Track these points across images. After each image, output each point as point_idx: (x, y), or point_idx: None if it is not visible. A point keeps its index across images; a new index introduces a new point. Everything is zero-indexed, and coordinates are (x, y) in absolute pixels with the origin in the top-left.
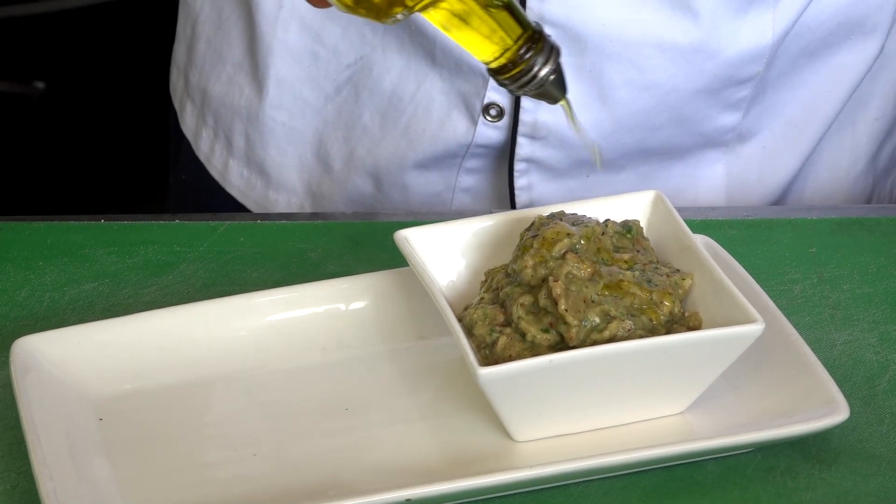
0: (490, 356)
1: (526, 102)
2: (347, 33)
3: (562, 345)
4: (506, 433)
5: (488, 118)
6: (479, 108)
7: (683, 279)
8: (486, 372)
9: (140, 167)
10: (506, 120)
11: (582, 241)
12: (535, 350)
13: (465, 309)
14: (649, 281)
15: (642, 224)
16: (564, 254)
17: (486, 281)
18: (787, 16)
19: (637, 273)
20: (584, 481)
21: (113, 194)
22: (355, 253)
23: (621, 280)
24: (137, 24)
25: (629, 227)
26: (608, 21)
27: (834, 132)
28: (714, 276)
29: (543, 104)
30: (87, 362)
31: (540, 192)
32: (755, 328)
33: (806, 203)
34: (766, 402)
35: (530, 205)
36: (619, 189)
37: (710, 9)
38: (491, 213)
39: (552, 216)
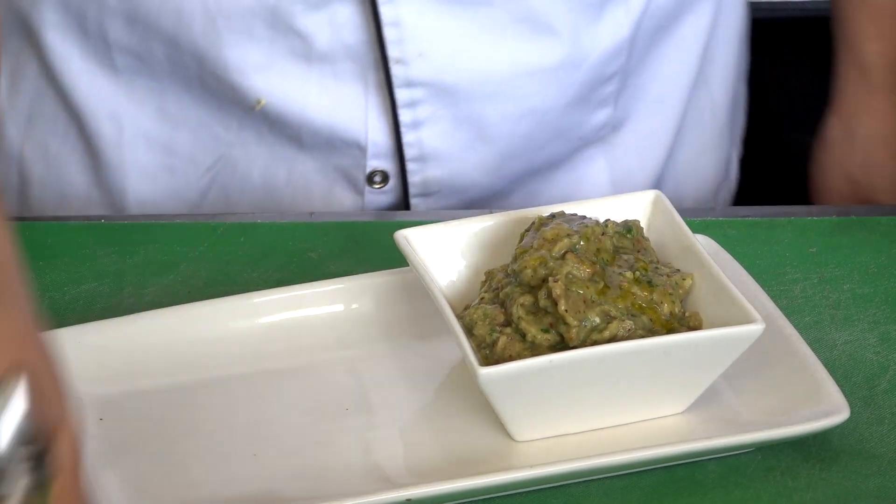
0: (490, 356)
1: (412, 165)
2: (199, 139)
3: (562, 345)
4: (506, 433)
5: (374, 186)
6: (362, 178)
7: (683, 279)
8: (487, 372)
9: None
10: (392, 181)
11: (582, 242)
12: (535, 350)
13: (466, 309)
14: (649, 281)
15: (642, 224)
16: (564, 254)
17: (486, 281)
18: (638, 5)
19: (637, 273)
20: (584, 481)
21: None
22: (355, 253)
23: (621, 280)
24: None
25: (629, 228)
26: (475, 66)
27: (693, 97)
28: (714, 276)
29: (429, 162)
30: (87, 362)
31: None
32: (755, 328)
33: (680, 173)
34: (766, 402)
35: None
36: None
37: (568, 23)
38: (491, 212)
39: (552, 216)
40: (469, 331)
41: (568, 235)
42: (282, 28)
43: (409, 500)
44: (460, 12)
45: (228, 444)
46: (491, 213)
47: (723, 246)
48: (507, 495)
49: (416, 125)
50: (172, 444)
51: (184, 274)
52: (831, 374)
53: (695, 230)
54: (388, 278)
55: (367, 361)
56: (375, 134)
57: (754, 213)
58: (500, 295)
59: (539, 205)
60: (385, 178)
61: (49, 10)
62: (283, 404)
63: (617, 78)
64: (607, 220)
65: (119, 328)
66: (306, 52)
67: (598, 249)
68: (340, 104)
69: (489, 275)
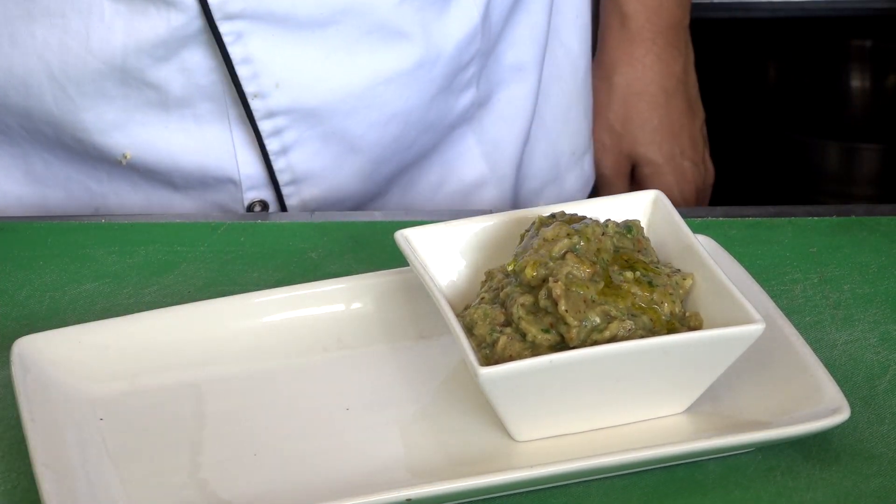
0: (490, 356)
1: (287, 189)
2: (72, 194)
3: (562, 345)
4: (506, 433)
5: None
6: (241, 210)
7: (684, 279)
8: (487, 372)
9: None
10: (273, 207)
11: (582, 242)
12: (535, 350)
13: (466, 309)
14: (650, 281)
15: (643, 224)
16: (564, 254)
17: (486, 281)
18: None
19: (637, 273)
20: (584, 481)
21: None
22: (355, 253)
23: (622, 280)
24: None
25: (629, 227)
26: (333, 85)
27: (547, 52)
28: (715, 276)
29: (303, 183)
30: (87, 362)
31: None
32: (756, 328)
33: (550, 131)
34: (766, 402)
35: None
36: (390, 202)
37: (417, 24)
38: (491, 212)
39: (552, 216)
40: (469, 331)
41: (568, 235)
42: (134, 84)
43: (409, 499)
44: (309, 37)
45: (229, 443)
46: (491, 212)
47: (723, 246)
48: (508, 495)
49: (284, 151)
50: (172, 444)
51: (184, 274)
52: (831, 375)
53: (695, 230)
54: (389, 278)
55: (367, 361)
56: (246, 167)
57: (754, 213)
58: (501, 295)
59: (415, 195)
60: (265, 206)
61: None
62: (284, 404)
63: (475, 61)
64: (607, 220)
65: (119, 328)
66: (162, 101)
67: (598, 249)
68: (206, 145)
69: (489, 275)
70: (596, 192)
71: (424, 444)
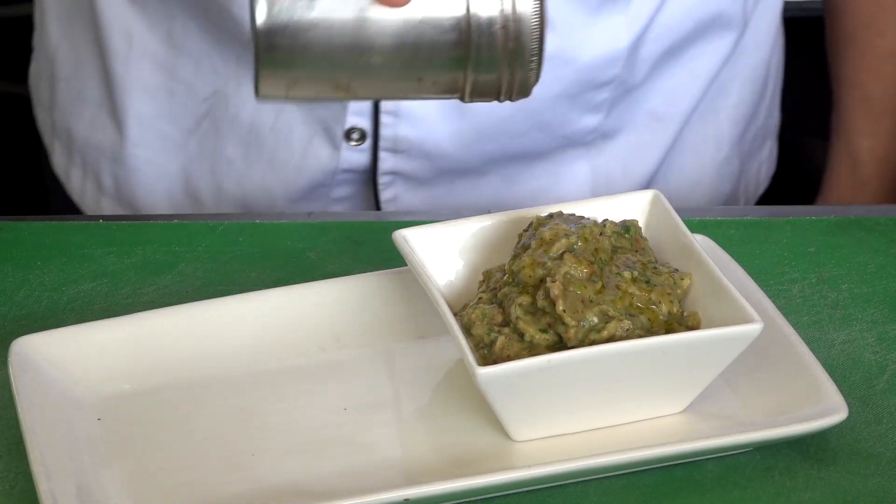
0: (488, 356)
1: (386, 119)
2: (200, 68)
3: (560, 345)
4: (504, 433)
5: (351, 142)
6: (340, 133)
7: (682, 279)
8: (485, 372)
9: None
10: (369, 142)
11: (580, 242)
12: (533, 350)
13: (464, 308)
14: (648, 281)
15: (641, 224)
16: (562, 254)
17: (484, 281)
18: (640, 19)
19: (635, 273)
20: (582, 481)
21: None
22: (354, 253)
23: (619, 280)
24: None
25: (627, 227)
26: None
27: (696, 120)
28: (713, 275)
29: (402, 119)
30: (85, 362)
31: (406, 203)
32: (754, 328)
33: (672, 189)
34: (764, 402)
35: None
36: (484, 193)
37: (563, 17)
38: (490, 212)
39: (550, 216)
40: (467, 331)
41: (566, 235)
42: None
43: (406, 499)
44: None
45: (226, 443)
46: (489, 213)
47: (721, 245)
48: (506, 495)
49: None
50: (171, 444)
51: (182, 274)
52: (829, 374)
53: (693, 230)
54: (387, 278)
55: (365, 361)
56: None
57: (753, 213)
58: (499, 295)
59: (514, 191)
60: (363, 136)
61: None
62: (281, 404)
63: (612, 87)
64: (605, 220)
65: (117, 328)
66: None
67: (596, 249)
68: None
69: (487, 275)
70: None
71: (422, 443)
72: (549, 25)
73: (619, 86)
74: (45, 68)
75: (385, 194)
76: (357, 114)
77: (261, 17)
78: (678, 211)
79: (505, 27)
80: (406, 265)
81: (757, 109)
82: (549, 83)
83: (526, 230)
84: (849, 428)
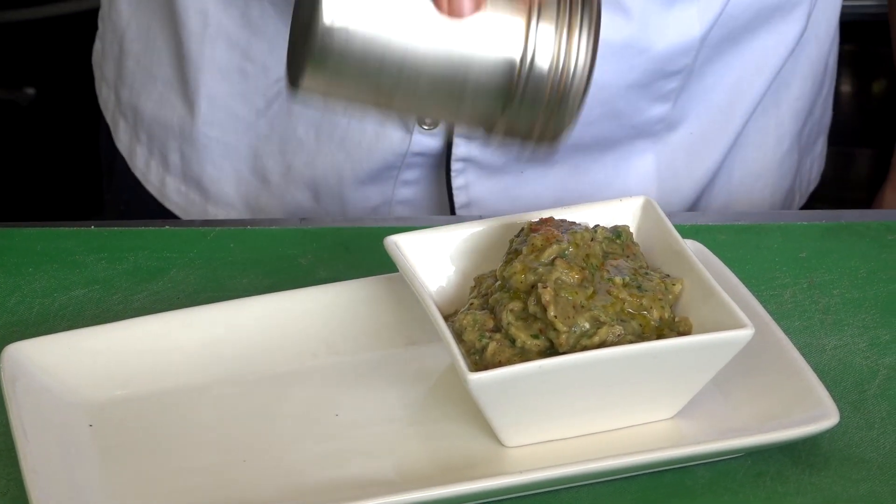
0: (480, 362)
1: None
2: (274, 48)
3: (552, 350)
4: (496, 439)
5: (424, 127)
6: (413, 116)
7: (673, 284)
8: (477, 377)
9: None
10: (442, 125)
11: (571, 248)
12: (524, 356)
13: (455, 314)
14: (639, 286)
15: (632, 229)
16: (553, 260)
17: (475, 287)
18: (713, 8)
19: (627, 278)
20: (574, 486)
21: (103, 200)
22: (345, 259)
23: (611, 285)
24: None
25: (619, 233)
26: None
27: (759, 114)
28: (704, 281)
29: None
30: (77, 368)
31: (477, 191)
32: (745, 333)
33: (735, 183)
34: (755, 407)
35: (468, 205)
36: (553, 182)
37: (639, 5)
38: (481, 217)
39: (541, 222)
40: (459, 336)
41: (557, 241)
42: None
43: None
44: None
45: (218, 450)
46: (481, 218)
47: (713, 251)
48: (498, 500)
49: None
50: (162, 451)
51: (174, 280)
52: (821, 379)
53: (684, 235)
54: (378, 284)
55: (356, 367)
56: None
57: (744, 218)
58: (490, 301)
59: (581, 182)
60: (435, 121)
61: None
62: (273, 410)
63: (681, 76)
64: (597, 226)
65: (109, 335)
66: None
67: (587, 255)
68: None
69: (478, 280)
70: None
71: (414, 449)
72: (625, 13)
73: (687, 74)
74: (112, 46)
75: (457, 181)
76: None
77: (327, 16)
78: (671, 217)
79: (555, 79)
80: (398, 271)
81: (814, 105)
82: (622, 72)
83: (517, 236)
84: (840, 433)
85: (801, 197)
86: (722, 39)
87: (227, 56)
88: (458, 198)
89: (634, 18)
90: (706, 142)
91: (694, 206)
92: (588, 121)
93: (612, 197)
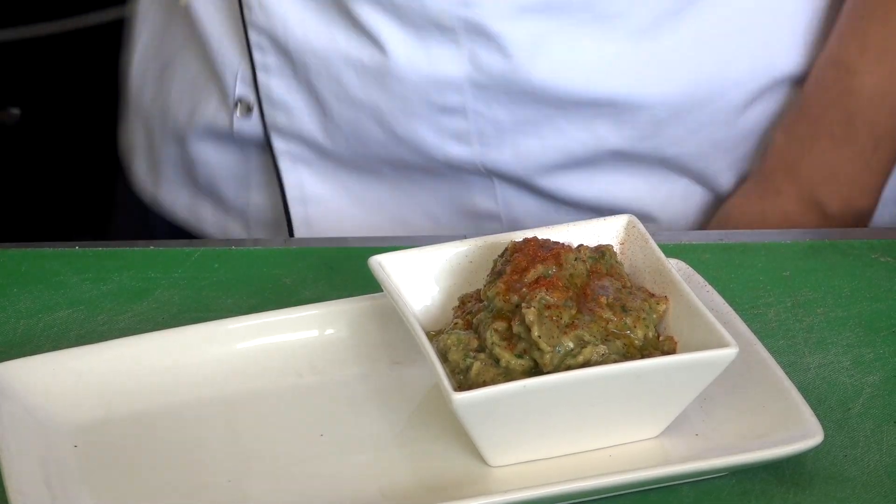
0: (464, 382)
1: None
2: None
3: (536, 370)
4: (481, 458)
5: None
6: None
7: (658, 303)
8: (461, 397)
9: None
10: (256, 112)
11: (554, 268)
12: (509, 376)
13: (439, 334)
14: (623, 306)
15: (616, 249)
16: (537, 280)
17: (459, 306)
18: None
19: (611, 298)
20: None
21: (88, 221)
22: (329, 279)
23: (595, 305)
24: (113, 50)
25: (602, 253)
26: (306, 38)
27: None
28: (688, 300)
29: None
30: (61, 389)
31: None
32: (729, 352)
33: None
34: (740, 426)
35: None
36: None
37: (394, 38)
38: (465, 237)
39: (525, 242)
40: (443, 356)
41: (541, 261)
42: None
43: None
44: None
45: (203, 470)
46: (465, 238)
47: (697, 270)
48: None
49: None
50: (147, 471)
51: (158, 300)
52: (805, 398)
53: (668, 254)
54: (363, 304)
55: (341, 387)
56: None
57: (728, 237)
58: (474, 321)
59: (653, 195)
60: (249, 108)
61: None
62: (258, 431)
63: (461, 116)
64: (580, 245)
65: (93, 355)
66: None
67: (571, 275)
68: None
69: (463, 300)
70: None
71: (399, 469)
72: (374, 44)
73: (475, 117)
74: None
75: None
76: (245, 83)
77: None
78: (655, 236)
79: None
80: (382, 291)
81: None
82: (383, 97)
83: (501, 256)
84: (824, 452)
85: None
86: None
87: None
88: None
89: (384, 50)
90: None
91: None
92: (378, 141)
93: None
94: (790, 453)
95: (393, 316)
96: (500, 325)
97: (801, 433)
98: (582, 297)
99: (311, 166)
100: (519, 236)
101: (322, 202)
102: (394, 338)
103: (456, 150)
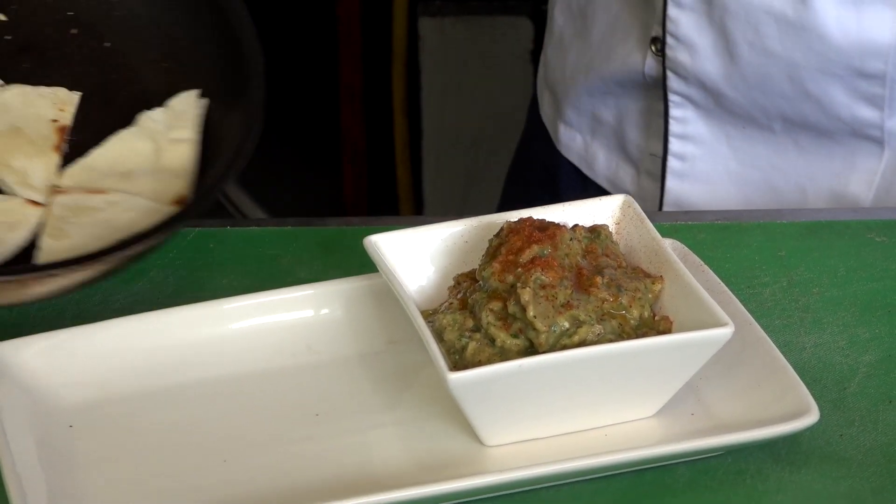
0: (460, 361)
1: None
2: None
3: (531, 350)
4: (476, 438)
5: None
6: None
7: (653, 283)
8: (456, 377)
9: None
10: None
11: (550, 248)
12: (504, 355)
13: (435, 314)
14: (619, 286)
15: (611, 229)
16: (532, 260)
17: (454, 286)
18: None
19: (606, 278)
20: (554, 485)
21: None
22: (325, 259)
23: (590, 285)
24: None
25: (598, 233)
26: None
27: None
28: (684, 280)
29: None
30: (56, 370)
31: (693, 129)
32: (725, 332)
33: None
34: (736, 406)
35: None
36: (776, 152)
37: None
38: (462, 217)
39: (520, 222)
40: (439, 336)
41: (536, 241)
42: None
43: None
44: None
45: (199, 449)
46: (460, 217)
47: (693, 249)
48: (478, 500)
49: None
50: (143, 451)
51: (153, 281)
52: (801, 377)
53: (664, 234)
54: (358, 284)
55: (336, 367)
56: None
57: (724, 217)
58: (469, 301)
59: (809, 164)
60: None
61: None
62: (254, 410)
63: (880, 82)
64: (575, 225)
65: (89, 335)
66: None
67: (566, 255)
68: None
69: (458, 280)
70: None
71: (394, 449)
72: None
73: (893, 85)
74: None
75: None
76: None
77: None
78: (651, 216)
79: None
80: (377, 271)
81: None
82: (800, 52)
83: (496, 236)
84: (820, 431)
85: None
86: None
87: None
88: (674, 129)
89: (811, 6)
90: None
91: None
92: (782, 94)
93: (825, 186)
94: (786, 432)
95: (388, 296)
96: (496, 305)
97: (797, 412)
98: (577, 277)
99: (700, 109)
100: (514, 217)
101: (702, 143)
102: (389, 317)
103: (865, 113)
